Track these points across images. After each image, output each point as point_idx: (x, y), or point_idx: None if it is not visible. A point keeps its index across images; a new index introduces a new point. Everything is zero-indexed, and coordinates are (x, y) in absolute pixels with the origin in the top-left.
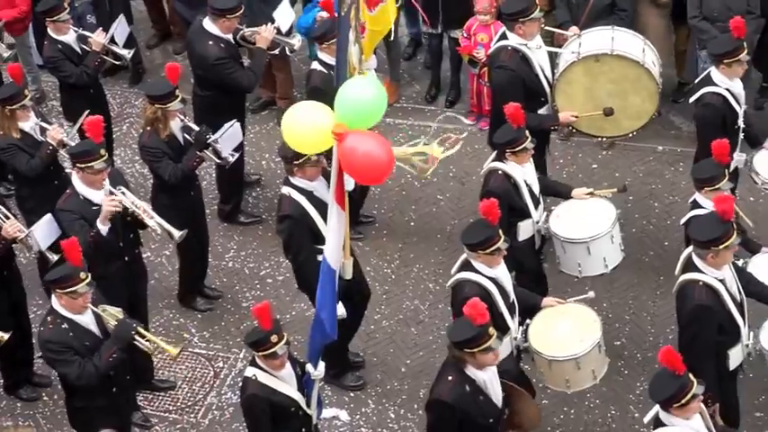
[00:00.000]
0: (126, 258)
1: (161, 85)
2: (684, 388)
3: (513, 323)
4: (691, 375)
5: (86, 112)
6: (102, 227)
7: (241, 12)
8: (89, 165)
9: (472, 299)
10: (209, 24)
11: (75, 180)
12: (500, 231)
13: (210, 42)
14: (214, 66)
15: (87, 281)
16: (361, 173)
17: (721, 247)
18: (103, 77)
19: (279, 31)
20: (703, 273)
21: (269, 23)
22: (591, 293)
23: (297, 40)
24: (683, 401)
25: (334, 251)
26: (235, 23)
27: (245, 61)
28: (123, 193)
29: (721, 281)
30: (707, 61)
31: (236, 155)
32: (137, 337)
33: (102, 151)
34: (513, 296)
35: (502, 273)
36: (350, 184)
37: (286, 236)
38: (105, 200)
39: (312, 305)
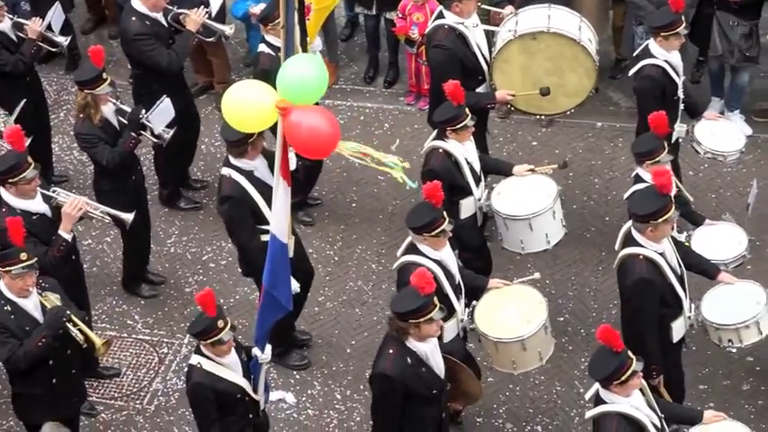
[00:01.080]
0: (73, 257)
1: (87, 70)
2: (623, 365)
3: (459, 305)
4: (629, 352)
5: (23, 102)
6: (68, 235)
7: None
8: (21, 177)
9: (419, 268)
10: (136, 1)
11: (7, 195)
12: (444, 213)
13: (134, 18)
14: (133, 41)
15: (27, 263)
16: (308, 146)
17: (660, 220)
18: (39, 64)
19: (210, 16)
20: (643, 246)
21: (201, 7)
22: (536, 274)
23: (229, 27)
24: (622, 378)
25: (282, 226)
26: (161, 2)
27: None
28: (57, 192)
29: (661, 254)
30: (643, 37)
31: (171, 131)
32: (69, 325)
33: (29, 159)
34: (458, 278)
35: (447, 255)
36: (292, 163)
37: (227, 217)
38: (68, 207)
39: (257, 288)
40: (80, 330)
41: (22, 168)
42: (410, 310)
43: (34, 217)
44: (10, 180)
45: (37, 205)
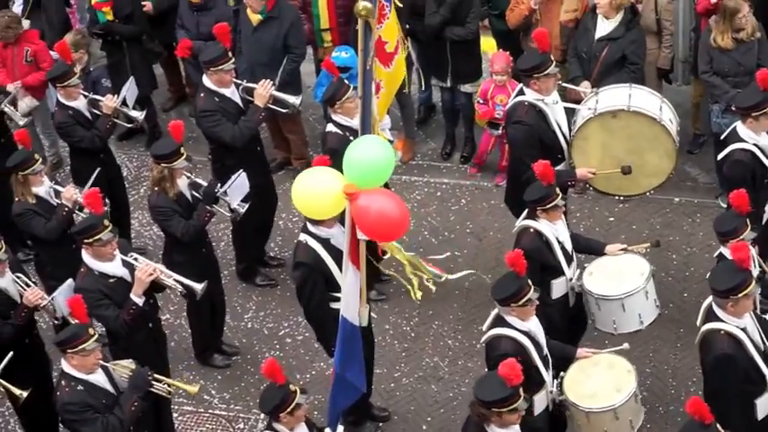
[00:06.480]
0: (150, 325)
1: (166, 144)
2: None
3: (548, 376)
4: (719, 426)
5: (97, 171)
6: (139, 300)
7: (221, 65)
8: (96, 238)
9: (509, 359)
10: (206, 78)
11: (86, 256)
12: (529, 282)
13: (202, 95)
14: (199, 117)
15: (95, 337)
16: (377, 230)
17: (740, 295)
18: (120, 141)
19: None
20: (724, 322)
21: (267, 81)
22: (625, 345)
23: (297, 98)
24: None
25: (352, 308)
26: (224, 76)
27: None
28: (136, 258)
29: (743, 329)
30: (719, 115)
31: (246, 205)
32: (154, 383)
33: (106, 222)
34: (546, 349)
35: (535, 325)
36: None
37: (300, 282)
38: (140, 272)
39: (328, 354)
40: (167, 384)
41: (97, 230)
42: (495, 399)
43: (111, 280)
44: (86, 240)
45: (114, 268)
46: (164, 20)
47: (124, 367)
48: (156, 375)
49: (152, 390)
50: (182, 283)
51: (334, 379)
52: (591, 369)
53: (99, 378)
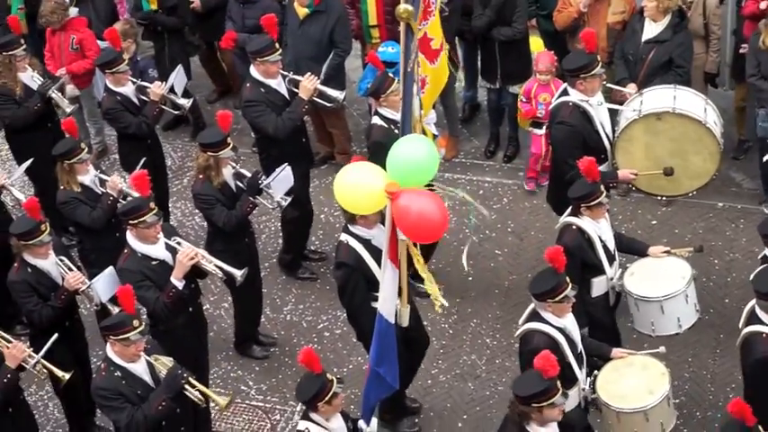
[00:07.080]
0: (190, 309)
1: (213, 133)
2: None
3: (581, 374)
4: (761, 428)
5: (143, 160)
6: (179, 283)
7: (268, 56)
8: (141, 219)
9: (543, 351)
10: (253, 69)
11: (130, 238)
12: (567, 279)
13: (248, 84)
14: (245, 107)
15: (140, 329)
16: (416, 231)
17: None
18: (165, 131)
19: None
20: (767, 325)
21: (311, 74)
22: (662, 348)
23: (341, 93)
24: None
25: (389, 306)
26: (270, 67)
27: None
28: (179, 243)
29: None
30: (765, 120)
31: (289, 199)
32: (187, 387)
33: (152, 204)
34: (580, 347)
35: (570, 322)
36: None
37: (341, 282)
38: (181, 255)
39: (367, 352)
40: (200, 391)
41: (142, 212)
42: (533, 393)
43: (154, 262)
44: (130, 222)
45: (157, 251)
46: (209, 16)
47: (163, 364)
48: (190, 380)
49: (184, 393)
50: (222, 269)
51: (368, 372)
52: (625, 369)
53: (139, 368)
